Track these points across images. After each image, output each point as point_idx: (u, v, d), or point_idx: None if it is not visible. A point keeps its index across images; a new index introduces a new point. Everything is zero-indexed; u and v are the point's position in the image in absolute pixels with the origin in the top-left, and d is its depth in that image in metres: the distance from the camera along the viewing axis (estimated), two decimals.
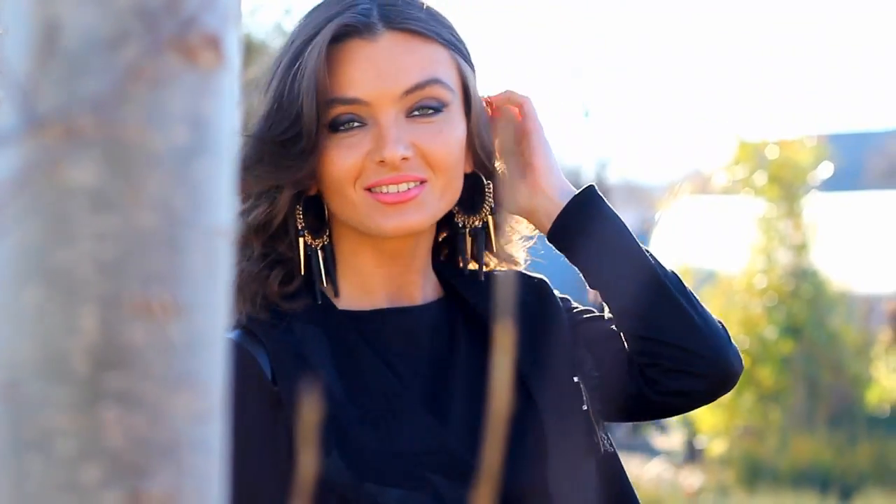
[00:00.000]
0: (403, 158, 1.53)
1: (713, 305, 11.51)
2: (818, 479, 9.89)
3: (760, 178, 11.83)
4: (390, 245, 1.60)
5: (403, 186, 1.54)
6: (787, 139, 11.95)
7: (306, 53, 1.53)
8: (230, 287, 0.68)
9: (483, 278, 1.65)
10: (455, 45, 1.61)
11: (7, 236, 0.63)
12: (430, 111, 1.57)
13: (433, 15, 1.60)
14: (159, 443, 0.63)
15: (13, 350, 0.63)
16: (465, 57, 1.63)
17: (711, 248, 14.44)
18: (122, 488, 0.62)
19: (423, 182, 1.55)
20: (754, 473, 10.29)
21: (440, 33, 1.60)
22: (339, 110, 1.54)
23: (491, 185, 1.64)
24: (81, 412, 0.62)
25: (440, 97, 1.58)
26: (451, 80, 1.59)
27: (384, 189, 1.54)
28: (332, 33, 1.53)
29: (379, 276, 1.62)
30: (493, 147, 1.65)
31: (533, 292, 1.68)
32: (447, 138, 1.57)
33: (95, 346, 0.62)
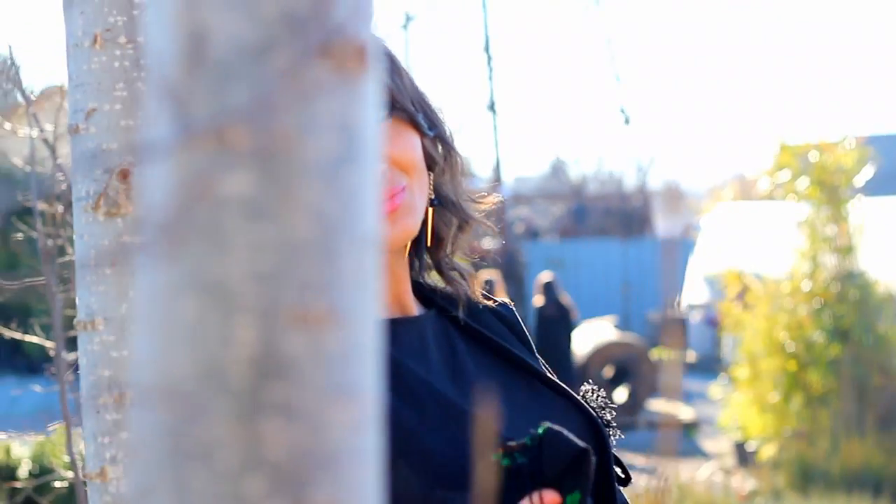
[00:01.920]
0: (383, 172, 1.54)
1: (760, 310, 11.48)
2: (870, 483, 9.80)
3: (803, 183, 11.77)
4: None
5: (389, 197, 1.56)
6: (829, 142, 11.87)
7: None
8: (380, 295, 0.67)
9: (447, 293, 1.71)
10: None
11: (163, 248, 0.63)
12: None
13: None
14: (320, 453, 0.62)
15: (171, 362, 0.63)
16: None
17: (756, 253, 14.35)
18: (285, 500, 0.61)
19: (403, 189, 1.57)
20: (806, 477, 10.21)
21: None
22: None
23: (432, 175, 1.66)
24: (242, 424, 0.61)
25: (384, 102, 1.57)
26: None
27: None
28: None
29: None
30: (440, 132, 1.66)
31: (509, 314, 1.77)
32: (406, 139, 1.59)
33: (253, 356, 0.62)
